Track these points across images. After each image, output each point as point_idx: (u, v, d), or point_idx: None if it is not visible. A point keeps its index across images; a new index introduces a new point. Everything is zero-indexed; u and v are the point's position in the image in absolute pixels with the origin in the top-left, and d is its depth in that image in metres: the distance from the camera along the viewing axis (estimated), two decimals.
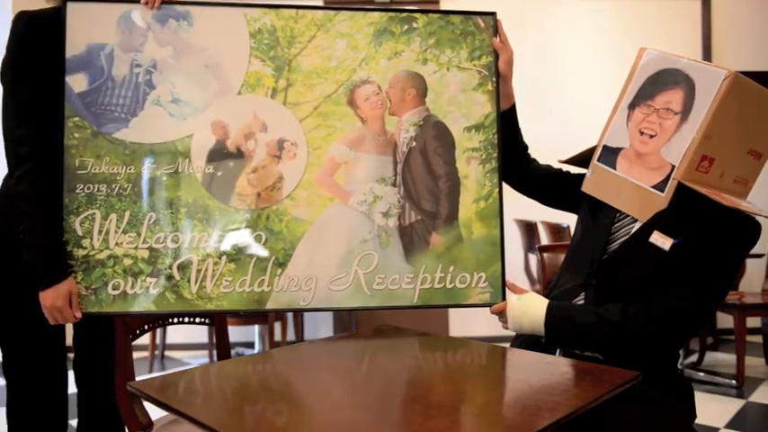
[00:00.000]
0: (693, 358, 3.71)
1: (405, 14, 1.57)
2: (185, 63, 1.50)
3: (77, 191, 1.44)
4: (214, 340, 3.58)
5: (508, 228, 1.65)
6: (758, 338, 3.78)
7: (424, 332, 1.45)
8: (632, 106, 1.40)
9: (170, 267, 1.45)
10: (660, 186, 1.32)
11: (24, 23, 1.44)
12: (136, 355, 1.53)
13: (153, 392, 1.01)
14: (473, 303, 1.54)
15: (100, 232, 1.44)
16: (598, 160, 1.46)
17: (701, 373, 3.41)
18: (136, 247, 1.45)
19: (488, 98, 1.57)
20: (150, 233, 1.46)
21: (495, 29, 1.59)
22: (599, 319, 1.30)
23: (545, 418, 0.86)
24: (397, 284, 1.51)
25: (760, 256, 3.27)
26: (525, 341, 1.47)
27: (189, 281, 1.46)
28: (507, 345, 1.45)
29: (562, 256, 1.69)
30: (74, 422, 1.70)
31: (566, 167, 1.64)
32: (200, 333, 3.95)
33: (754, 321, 3.68)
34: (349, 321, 4.21)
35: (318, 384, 1.13)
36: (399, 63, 1.56)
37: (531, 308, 1.38)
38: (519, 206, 2.14)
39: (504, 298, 1.52)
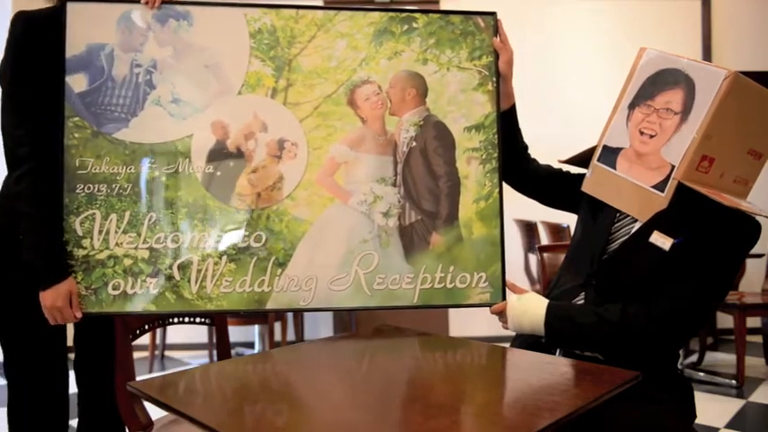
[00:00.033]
0: (693, 358, 3.71)
1: (405, 14, 1.57)
2: (185, 63, 1.50)
3: (77, 191, 1.44)
4: (214, 340, 3.59)
5: (508, 228, 1.65)
6: (758, 338, 3.78)
7: (424, 332, 1.45)
8: (632, 106, 1.40)
9: (170, 267, 1.45)
10: (660, 186, 1.32)
11: (23, 23, 1.44)
12: (136, 355, 1.53)
13: (153, 392, 1.01)
14: (473, 303, 1.54)
15: (100, 232, 1.44)
16: (598, 160, 1.46)
17: (701, 373, 3.41)
18: (136, 248, 1.45)
19: (488, 98, 1.57)
20: (150, 233, 1.46)
21: (496, 29, 1.59)
22: (599, 319, 1.30)
23: (545, 418, 0.86)
24: (397, 284, 1.51)
25: (760, 256, 3.28)
26: (525, 341, 1.47)
27: (189, 281, 1.46)
28: (507, 345, 1.45)
29: (562, 256, 1.69)
30: (74, 422, 1.70)
31: (566, 167, 1.64)
32: (200, 333, 3.95)
33: (754, 321, 3.68)
34: (349, 321, 4.21)
35: (318, 384, 1.13)
36: (399, 63, 1.56)
37: (530, 308, 1.38)
38: (519, 206, 2.14)
39: (504, 298, 1.52)
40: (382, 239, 1.52)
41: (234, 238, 1.48)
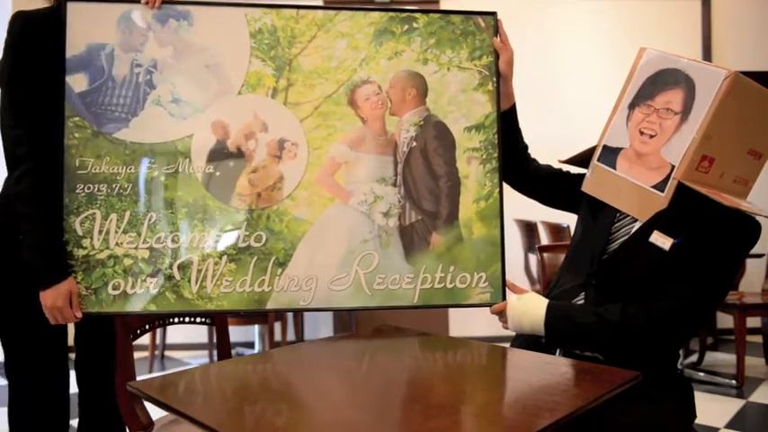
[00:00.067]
0: (693, 358, 3.71)
1: (405, 14, 1.57)
2: (186, 63, 1.50)
3: (77, 191, 1.44)
4: (214, 340, 3.59)
5: (508, 228, 1.65)
6: (758, 338, 3.78)
7: (424, 332, 1.45)
8: (632, 106, 1.40)
9: (170, 267, 1.45)
10: (660, 186, 1.32)
11: (21, 24, 1.44)
12: (136, 355, 1.53)
13: (153, 392, 1.01)
14: (473, 303, 1.54)
15: (100, 232, 1.44)
16: (598, 160, 1.46)
17: (701, 373, 3.41)
18: (136, 247, 1.45)
19: (489, 98, 1.57)
20: (150, 233, 1.46)
21: (496, 29, 1.59)
22: (599, 319, 1.30)
23: (545, 418, 0.86)
24: (397, 284, 1.51)
25: (760, 256, 3.28)
26: (525, 341, 1.47)
27: (189, 281, 1.46)
28: (507, 345, 1.45)
29: (562, 256, 1.69)
30: (75, 422, 1.70)
31: (566, 167, 1.64)
32: (200, 333, 3.95)
33: (754, 321, 3.68)
34: (349, 321, 4.21)
35: (318, 384, 1.13)
36: (400, 63, 1.56)
37: (530, 308, 1.38)
38: (519, 206, 2.14)
39: (504, 298, 1.52)
40: (382, 239, 1.52)
41: (234, 237, 1.48)
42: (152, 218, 1.46)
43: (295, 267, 1.49)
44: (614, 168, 1.42)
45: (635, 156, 1.38)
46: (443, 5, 4.30)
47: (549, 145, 2.45)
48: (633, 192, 1.37)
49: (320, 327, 4.30)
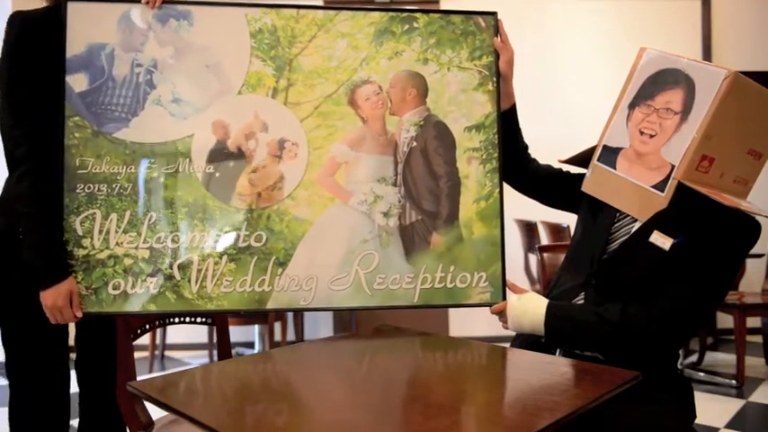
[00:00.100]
0: (693, 358, 3.71)
1: (405, 14, 1.57)
2: (186, 63, 1.50)
3: (78, 190, 1.44)
4: (214, 340, 3.59)
5: (508, 228, 1.65)
6: (758, 338, 3.78)
7: (424, 332, 1.45)
8: (632, 106, 1.40)
9: (170, 267, 1.46)
10: (660, 186, 1.32)
11: (19, 24, 1.44)
12: (136, 355, 1.53)
13: (153, 393, 1.01)
14: (473, 303, 1.54)
15: (100, 232, 1.44)
16: (598, 160, 1.46)
17: (701, 373, 3.41)
18: (136, 247, 1.45)
19: (489, 98, 1.57)
20: (151, 233, 1.46)
21: (496, 29, 1.59)
22: (599, 319, 1.30)
23: (545, 418, 0.87)
24: (397, 284, 1.51)
25: (760, 256, 3.28)
26: (525, 341, 1.47)
27: (189, 281, 1.46)
28: (507, 345, 1.45)
29: (562, 256, 1.69)
30: (75, 422, 1.70)
31: (566, 167, 1.64)
32: (200, 333, 3.95)
33: (754, 321, 3.68)
34: (349, 321, 4.21)
35: (318, 384, 1.13)
36: (400, 63, 1.56)
37: (530, 307, 1.38)
38: (519, 206, 2.14)
39: (504, 298, 1.52)
40: (383, 239, 1.52)
41: (234, 237, 1.48)
42: (152, 218, 1.46)
43: (295, 267, 1.49)
44: (614, 168, 1.42)
45: (635, 156, 1.38)
46: (443, 5, 4.30)
47: (549, 145, 2.44)
48: (633, 192, 1.37)
49: (320, 327, 4.30)
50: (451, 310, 4.17)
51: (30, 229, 1.40)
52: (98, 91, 1.46)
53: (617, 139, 1.43)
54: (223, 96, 1.51)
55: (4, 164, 1.43)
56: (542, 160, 1.69)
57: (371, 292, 1.50)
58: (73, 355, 1.64)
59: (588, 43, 4.41)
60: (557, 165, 1.66)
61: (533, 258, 3.87)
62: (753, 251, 1.39)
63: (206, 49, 1.50)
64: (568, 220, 2.78)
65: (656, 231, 1.28)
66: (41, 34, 1.44)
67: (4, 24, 1.44)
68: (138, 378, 1.26)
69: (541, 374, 1.11)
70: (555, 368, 1.17)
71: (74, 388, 1.61)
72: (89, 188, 1.44)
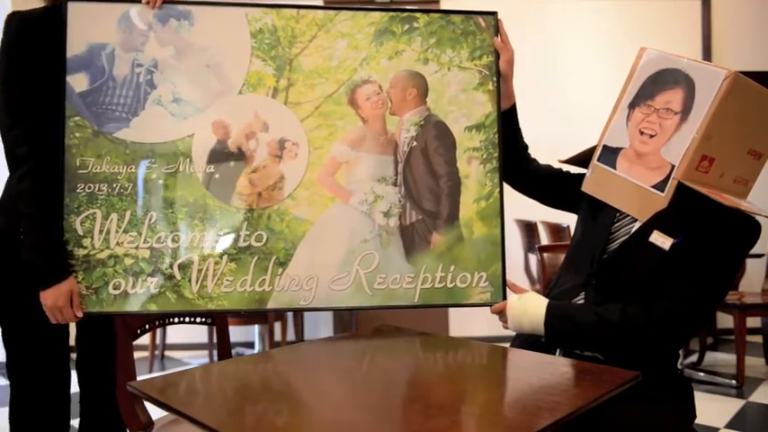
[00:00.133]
0: (693, 358, 3.71)
1: (406, 14, 1.57)
2: (186, 63, 1.50)
3: (78, 190, 1.44)
4: (214, 340, 3.59)
5: (508, 228, 1.65)
6: (758, 338, 3.78)
7: (424, 332, 1.45)
8: (632, 106, 1.40)
9: (171, 267, 1.46)
10: (660, 186, 1.32)
11: (17, 24, 1.44)
12: (136, 355, 1.53)
13: (153, 393, 1.01)
14: (474, 303, 1.54)
15: (101, 232, 1.44)
16: (598, 160, 1.46)
17: (701, 373, 3.41)
18: (137, 247, 1.45)
19: (489, 98, 1.58)
20: (151, 233, 1.46)
21: (496, 28, 1.59)
22: (599, 319, 1.30)
23: (545, 418, 0.87)
24: (397, 284, 1.51)
25: (760, 256, 3.28)
26: (525, 341, 1.47)
27: (190, 280, 1.46)
28: (507, 345, 1.45)
29: (562, 256, 1.69)
30: (76, 422, 1.70)
31: (566, 167, 1.64)
32: (200, 333, 3.95)
33: (754, 321, 3.68)
34: (349, 321, 4.21)
35: (318, 384, 1.13)
36: (400, 63, 1.56)
37: (530, 307, 1.38)
38: (519, 206, 2.14)
39: (504, 297, 1.52)
40: (383, 239, 1.52)
41: (235, 237, 1.48)
42: (152, 217, 1.46)
43: (296, 267, 1.49)
44: (614, 168, 1.42)
45: (635, 155, 1.38)
46: (444, 5, 4.30)
47: (549, 145, 2.44)
48: (633, 192, 1.37)
49: (320, 327, 4.30)
50: (451, 310, 4.17)
51: (30, 229, 1.40)
52: (98, 91, 1.46)
53: (617, 139, 1.43)
54: (223, 96, 1.51)
55: (5, 164, 1.43)
56: (542, 160, 1.69)
57: (372, 292, 1.51)
58: (73, 356, 1.63)
59: (588, 43, 4.41)
60: (557, 165, 1.66)
61: (533, 258, 3.87)
62: (753, 251, 1.39)
63: (206, 48, 1.50)
64: (568, 220, 2.78)
65: (656, 231, 1.29)
66: (39, 34, 1.44)
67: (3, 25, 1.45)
68: (138, 378, 1.26)
69: (541, 374, 1.12)
70: (555, 368, 1.17)
71: (74, 388, 1.61)
72: (89, 188, 1.44)
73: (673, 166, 1.30)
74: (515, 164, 1.64)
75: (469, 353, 1.33)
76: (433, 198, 1.55)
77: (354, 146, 1.53)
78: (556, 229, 3.65)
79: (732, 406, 2.96)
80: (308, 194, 1.51)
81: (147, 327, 1.57)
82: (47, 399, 1.54)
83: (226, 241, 1.48)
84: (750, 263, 3.77)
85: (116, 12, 1.48)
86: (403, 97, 1.55)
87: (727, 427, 2.70)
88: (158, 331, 3.89)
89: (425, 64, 1.56)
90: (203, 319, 1.68)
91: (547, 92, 4.30)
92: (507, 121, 1.60)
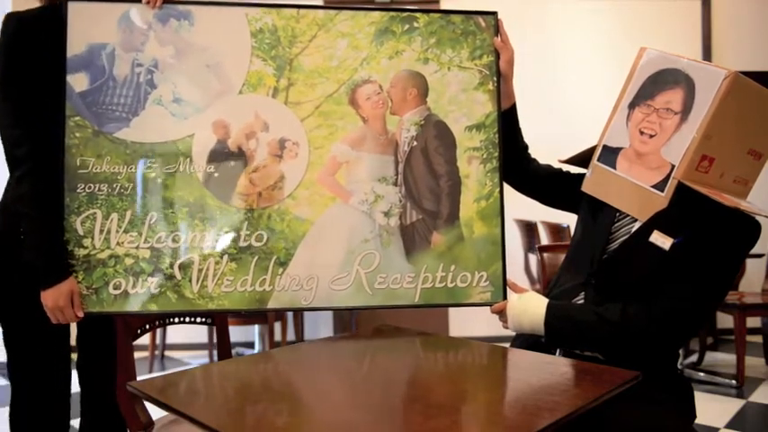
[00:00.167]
0: (693, 358, 3.71)
1: (406, 14, 1.57)
2: (186, 63, 1.50)
3: (78, 190, 1.44)
4: (214, 340, 3.59)
5: (508, 228, 1.65)
6: (758, 338, 3.79)
7: (424, 332, 1.45)
8: (632, 106, 1.40)
9: (171, 267, 1.46)
10: (660, 186, 1.32)
11: (14, 24, 1.44)
12: (136, 355, 1.53)
13: (153, 393, 1.01)
14: (474, 302, 1.54)
15: (101, 232, 1.44)
16: (598, 160, 1.46)
17: (701, 373, 3.41)
18: (137, 247, 1.45)
19: (489, 97, 1.58)
20: (151, 233, 1.46)
21: (496, 28, 1.59)
22: (599, 319, 1.30)
23: (545, 418, 0.87)
24: (398, 284, 1.51)
25: (760, 256, 3.28)
26: (525, 341, 1.47)
27: (190, 280, 1.46)
28: (507, 345, 1.45)
29: (562, 256, 1.69)
30: (76, 422, 1.70)
31: (566, 167, 1.64)
32: (200, 333, 3.95)
33: (754, 321, 3.68)
34: (349, 321, 4.21)
35: (318, 384, 1.13)
36: (400, 62, 1.56)
37: (531, 307, 1.38)
38: (519, 206, 2.14)
39: (505, 297, 1.52)
40: (383, 239, 1.52)
41: (235, 237, 1.48)
42: (153, 217, 1.46)
43: (296, 267, 1.49)
44: (614, 168, 1.42)
45: (635, 155, 1.38)
46: (444, 5, 4.30)
47: (549, 145, 2.45)
48: (633, 191, 1.37)
49: (320, 327, 4.30)
50: (451, 310, 4.17)
51: (30, 230, 1.40)
52: (99, 91, 1.46)
53: (617, 139, 1.43)
54: (224, 96, 1.51)
55: (4, 164, 1.43)
56: (542, 160, 1.69)
57: (372, 292, 1.51)
58: (74, 355, 1.63)
59: (588, 43, 4.41)
60: (557, 165, 1.66)
61: (533, 258, 3.87)
62: (753, 251, 1.39)
63: (206, 48, 1.50)
64: (568, 220, 2.78)
65: (656, 231, 1.29)
66: (35, 34, 1.44)
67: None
68: (138, 378, 1.26)
69: (541, 374, 1.12)
70: (555, 368, 1.17)
71: (75, 388, 1.61)
72: (90, 188, 1.44)
73: (673, 166, 1.30)
74: (515, 164, 1.64)
75: (469, 353, 1.33)
76: (433, 198, 1.55)
77: (355, 145, 1.53)
78: (556, 229, 3.65)
79: (732, 406, 2.96)
80: (308, 194, 1.51)
81: (147, 327, 1.57)
82: (47, 399, 1.54)
83: (226, 241, 1.48)
84: (750, 263, 3.77)
85: (116, 11, 1.48)
86: (403, 97, 1.55)
87: (727, 427, 2.70)
88: (158, 331, 3.89)
89: (426, 64, 1.56)
90: (203, 319, 1.68)
91: (547, 92, 4.30)
92: (507, 121, 1.61)
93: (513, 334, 1.52)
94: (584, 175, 1.52)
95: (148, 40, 1.48)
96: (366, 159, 1.53)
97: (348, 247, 1.51)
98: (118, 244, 1.44)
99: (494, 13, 1.59)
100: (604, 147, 1.45)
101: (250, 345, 4.12)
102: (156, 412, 1.34)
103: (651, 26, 4.36)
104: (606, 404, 0.97)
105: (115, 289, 1.44)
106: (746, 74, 1.25)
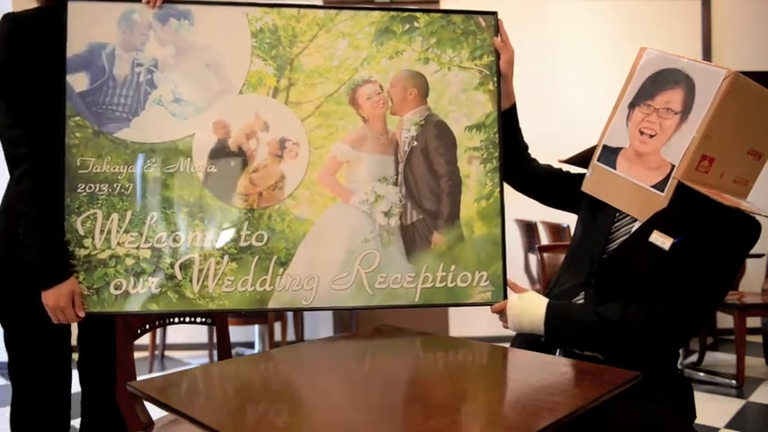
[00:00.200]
0: (693, 358, 3.71)
1: (406, 14, 1.57)
2: (187, 62, 1.50)
3: (79, 190, 1.44)
4: (214, 340, 3.59)
5: (508, 228, 1.65)
6: (758, 338, 3.78)
7: (424, 332, 1.45)
8: (632, 106, 1.41)
9: (172, 267, 1.46)
10: (660, 186, 1.32)
11: (10, 25, 1.44)
12: (136, 355, 1.53)
13: (153, 393, 1.01)
14: (474, 302, 1.54)
15: (102, 232, 1.44)
16: (598, 160, 1.46)
17: (701, 373, 3.41)
18: (138, 247, 1.45)
19: (489, 97, 1.58)
20: (152, 233, 1.46)
21: (497, 28, 1.59)
22: (599, 319, 1.30)
23: (545, 418, 0.87)
24: (398, 284, 1.51)
25: (760, 256, 3.28)
26: (525, 341, 1.47)
27: (191, 280, 1.46)
28: (507, 345, 1.45)
29: (562, 256, 1.69)
30: (76, 422, 1.70)
31: (566, 167, 1.64)
32: (200, 333, 3.96)
33: (754, 321, 3.68)
34: (349, 321, 4.21)
35: (319, 384, 1.13)
36: (401, 62, 1.56)
37: (531, 307, 1.38)
38: (519, 206, 2.14)
39: (505, 297, 1.53)
40: (384, 239, 1.52)
41: (235, 237, 1.48)
42: (153, 217, 1.46)
43: (297, 267, 1.49)
44: (614, 168, 1.42)
45: (635, 155, 1.38)
46: (444, 5, 4.30)
47: (549, 145, 2.45)
48: (633, 191, 1.37)
49: (320, 327, 4.30)
50: (451, 310, 4.17)
51: (30, 230, 1.40)
52: (99, 91, 1.46)
53: (617, 139, 1.43)
54: (224, 96, 1.51)
55: (4, 165, 1.43)
56: (542, 160, 1.69)
57: (373, 292, 1.51)
58: (75, 355, 1.63)
59: (588, 43, 4.41)
60: (557, 165, 1.66)
61: (533, 258, 3.87)
62: (753, 251, 1.39)
63: (207, 48, 1.51)
64: (568, 220, 2.78)
65: (655, 231, 1.29)
66: (31, 35, 1.44)
67: None
68: (138, 378, 1.26)
69: (541, 374, 1.12)
70: (555, 368, 1.17)
71: (75, 387, 1.61)
72: (90, 188, 1.44)
73: (673, 166, 1.30)
74: (515, 164, 1.64)
75: (469, 353, 1.33)
76: (433, 198, 1.55)
77: (355, 145, 1.53)
78: (556, 229, 3.65)
79: (732, 406, 2.96)
80: (308, 194, 1.51)
81: (147, 327, 1.57)
82: (47, 399, 1.54)
83: (227, 241, 1.48)
84: (750, 263, 3.77)
85: (116, 11, 1.48)
86: (403, 97, 1.55)
87: (727, 427, 2.70)
88: (158, 331, 3.89)
89: (426, 64, 1.56)
90: (203, 319, 1.68)
91: (547, 92, 4.30)
92: (507, 121, 1.61)
93: (513, 334, 1.52)
94: (584, 175, 1.52)
95: (148, 40, 1.49)
96: (366, 159, 1.53)
97: (348, 247, 1.51)
98: (118, 244, 1.44)
99: (494, 13, 1.60)
100: (604, 147, 1.45)
101: (250, 345, 4.12)
102: (156, 412, 1.34)
103: (651, 26, 4.36)
104: (606, 404, 0.97)
105: (116, 289, 1.44)
106: (746, 74, 1.26)
